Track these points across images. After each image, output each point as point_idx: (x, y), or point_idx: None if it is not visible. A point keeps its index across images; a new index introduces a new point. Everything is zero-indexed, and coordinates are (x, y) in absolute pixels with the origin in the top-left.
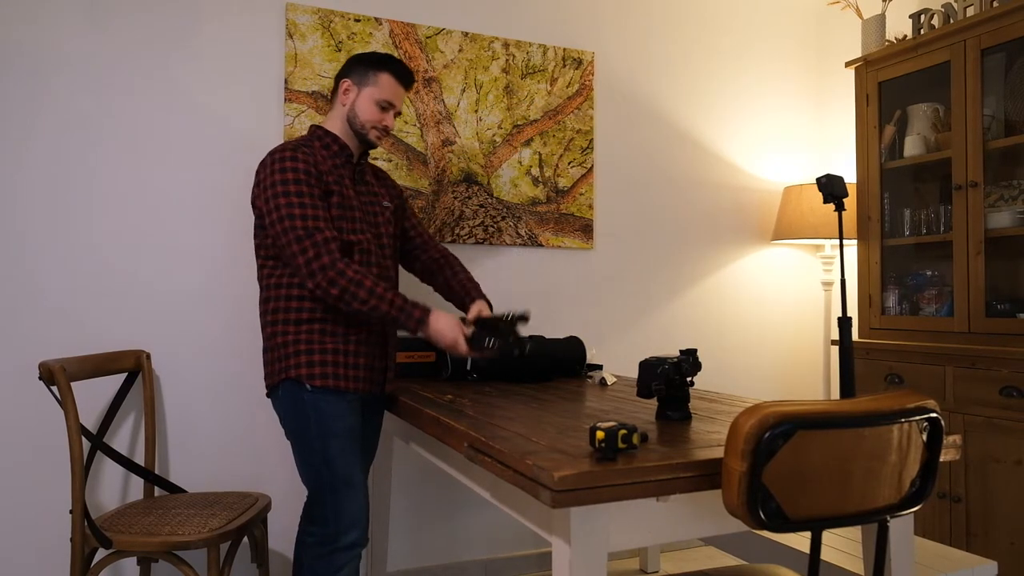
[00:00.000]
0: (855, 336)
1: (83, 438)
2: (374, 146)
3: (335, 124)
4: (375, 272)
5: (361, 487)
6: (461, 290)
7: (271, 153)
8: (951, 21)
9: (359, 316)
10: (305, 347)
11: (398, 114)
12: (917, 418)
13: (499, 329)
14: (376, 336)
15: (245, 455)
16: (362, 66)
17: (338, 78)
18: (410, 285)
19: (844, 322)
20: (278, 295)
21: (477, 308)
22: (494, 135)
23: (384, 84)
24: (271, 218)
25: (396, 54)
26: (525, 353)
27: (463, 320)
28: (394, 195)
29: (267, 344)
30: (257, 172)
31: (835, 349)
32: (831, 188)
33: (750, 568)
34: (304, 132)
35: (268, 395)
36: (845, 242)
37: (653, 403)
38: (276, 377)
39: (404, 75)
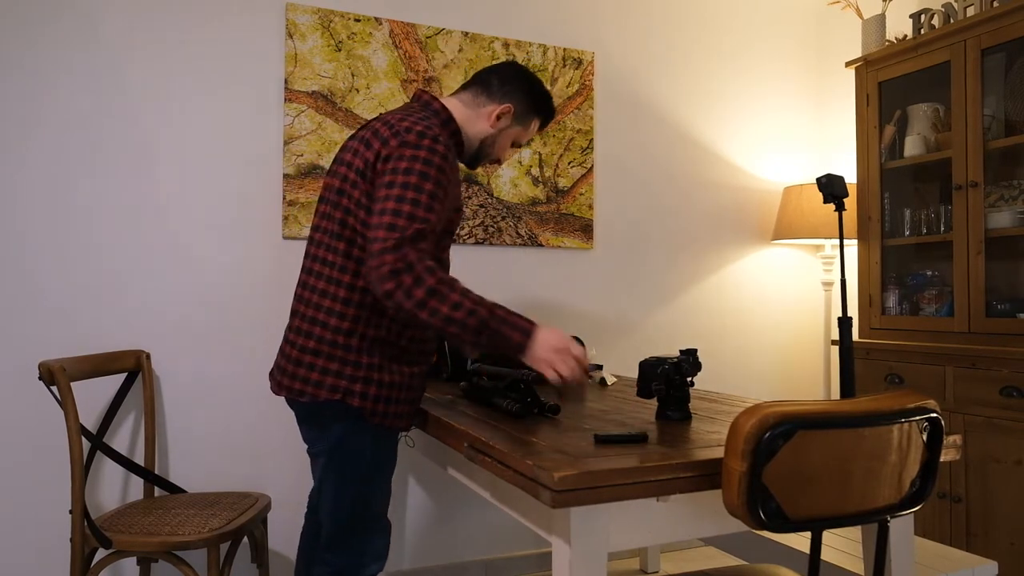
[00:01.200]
0: (855, 336)
1: (83, 438)
2: (473, 168)
3: (469, 128)
4: None
5: (387, 521)
6: None
7: (421, 134)
8: (951, 21)
9: (442, 327)
10: (377, 375)
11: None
12: (917, 418)
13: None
14: (429, 365)
15: (245, 455)
16: (530, 102)
17: (498, 89)
18: None
19: (844, 322)
20: (363, 301)
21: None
22: None
23: (532, 128)
24: (393, 191)
25: (396, 54)
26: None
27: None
28: None
29: (319, 348)
30: (387, 139)
31: (835, 349)
32: (831, 188)
33: (750, 568)
34: (304, 133)
35: (297, 400)
36: (845, 242)
37: (653, 403)
38: (326, 393)
39: (548, 123)
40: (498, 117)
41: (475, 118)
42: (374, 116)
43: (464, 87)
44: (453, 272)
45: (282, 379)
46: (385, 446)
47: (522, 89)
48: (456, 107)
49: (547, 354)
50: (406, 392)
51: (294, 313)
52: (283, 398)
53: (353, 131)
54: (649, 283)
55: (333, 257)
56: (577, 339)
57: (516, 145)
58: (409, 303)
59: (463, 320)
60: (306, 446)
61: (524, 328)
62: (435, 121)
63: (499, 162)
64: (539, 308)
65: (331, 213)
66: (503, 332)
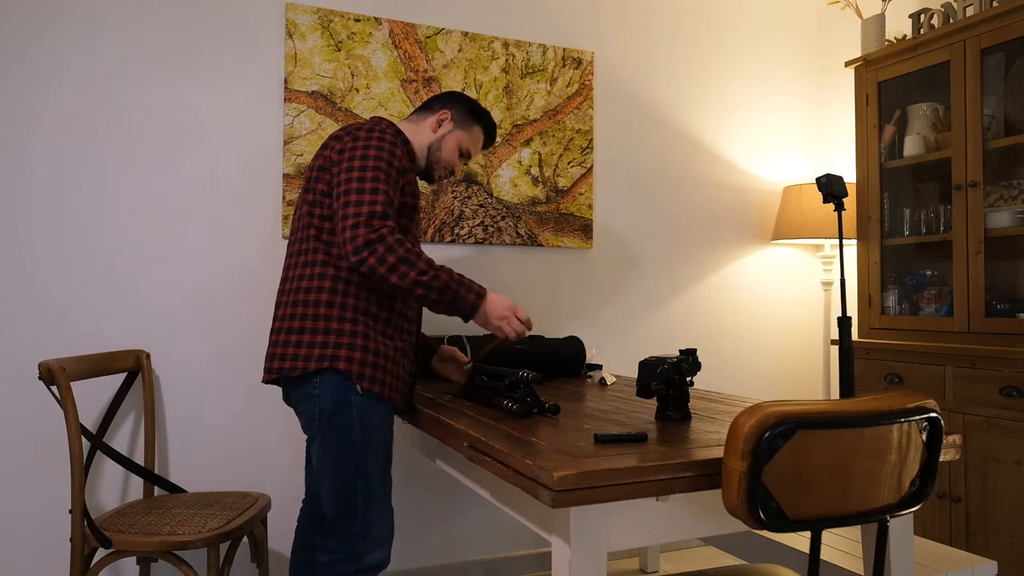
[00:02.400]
0: (855, 336)
1: (83, 438)
2: (432, 182)
3: (416, 140)
4: None
5: (390, 504)
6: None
7: (370, 129)
8: (951, 21)
9: (411, 292)
10: (361, 341)
11: (465, 164)
12: (917, 418)
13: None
14: (412, 347)
15: (245, 455)
16: (465, 108)
17: (437, 103)
18: None
19: (844, 322)
20: (338, 275)
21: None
22: None
23: (475, 135)
24: (351, 186)
25: (396, 54)
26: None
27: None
28: None
29: (304, 324)
30: (341, 136)
31: (835, 349)
32: (831, 188)
33: (750, 568)
34: (304, 132)
35: (287, 381)
36: (845, 242)
37: (653, 403)
38: (315, 363)
39: (491, 135)
40: (439, 123)
41: (419, 130)
42: (372, 115)
43: (411, 113)
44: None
45: (272, 363)
46: (377, 414)
47: (456, 100)
48: (404, 125)
49: (496, 320)
50: (392, 365)
51: (278, 306)
52: (282, 401)
53: None
54: (649, 283)
55: (306, 245)
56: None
57: (465, 155)
58: (382, 268)
59: (428, 283)
60: (306, 441)
61: (478, 291)
62: (384, 123)
63: (452, 173)
64: (539, 308)
65: (300, 212)
66: (460, 294)
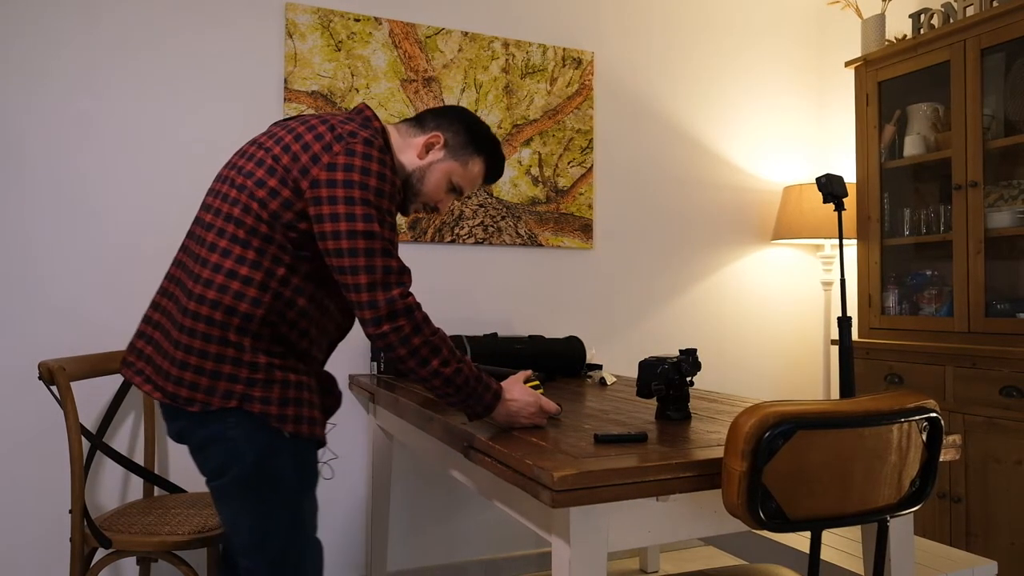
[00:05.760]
0: (855, 336)
1: (83, 438)
2: (406, 214)
3: (398, 155)
4: None
5: (317, 540)
6: None
7: (368, 141)
8: (951, 21)
9: (427, 378)
10: (280, 375)
11: (458, 200)
12: (917, 418)
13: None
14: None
15: None
16: (465, 134)
17: (431, 120)
18: None
19: (844, 322)
20: (260, 298)
21: None
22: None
23: (472, 170)
24: (357, 226)
25: (396, 54)
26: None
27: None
28: None
29: (211, 349)
30: (329, 142)
31: (835, 349)
32: (831, 188)
33: (750, 568)
34: None
35: (184, 409)
36: (845, 242)
37: (653, 403)
38: (223, 401)
39: (495, 172)
40: (427, 148)
41: (404, 148)
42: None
43: (401, 121)
44: (454, 273)
45: (164, 383)
46: (309, 454)
47: (456, 120)
48: (392, 133)
49: (526, 419)
50: (314, 395)
51: (172, 297)
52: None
53: None
54: (649, 283)
55: (228, 244)
56: (537, 375)
57: (456, 191)
58: (403, 350)
59: (450, 376)
60: (207, 483)
61: (495, 390)
62: (376, 136)
63: (436, 210)
64: (539, 308)
65: (224, 191)
66: (479, 391)
